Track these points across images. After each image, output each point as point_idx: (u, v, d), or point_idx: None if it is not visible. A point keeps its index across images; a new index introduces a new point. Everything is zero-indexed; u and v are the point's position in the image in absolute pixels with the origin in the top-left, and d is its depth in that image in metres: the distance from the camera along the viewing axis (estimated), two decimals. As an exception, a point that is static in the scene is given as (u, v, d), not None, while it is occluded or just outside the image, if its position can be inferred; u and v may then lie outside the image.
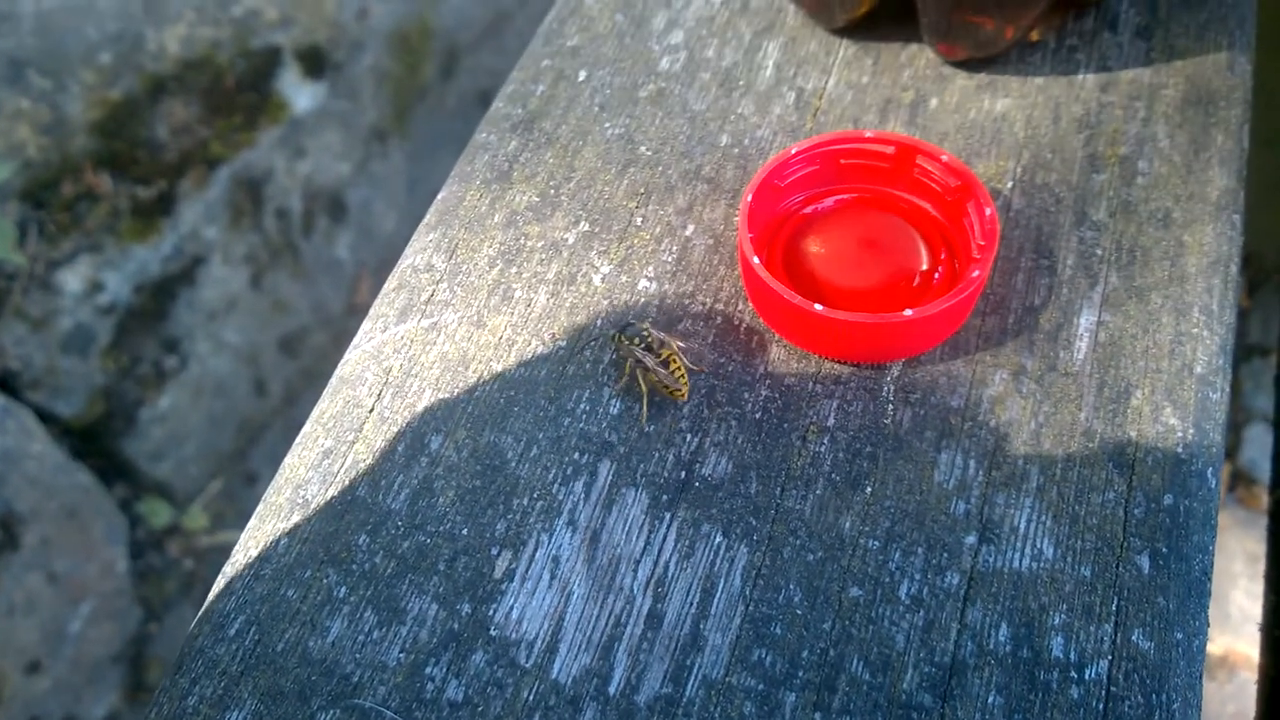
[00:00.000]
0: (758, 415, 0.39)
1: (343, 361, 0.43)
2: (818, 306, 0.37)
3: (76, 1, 1.48)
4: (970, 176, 0.40)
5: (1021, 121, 0.46)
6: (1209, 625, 0.35)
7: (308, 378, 1.38)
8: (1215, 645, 1.17)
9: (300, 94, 1.48)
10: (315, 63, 1.51)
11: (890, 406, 0.39)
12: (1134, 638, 0.34)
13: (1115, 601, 0.35)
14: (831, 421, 0.39)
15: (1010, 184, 0.44)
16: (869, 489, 0.37)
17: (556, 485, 0.38)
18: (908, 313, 0.37)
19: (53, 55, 1.47)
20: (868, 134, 0.42)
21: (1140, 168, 0.45)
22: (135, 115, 1.46)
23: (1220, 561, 1.23)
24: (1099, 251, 0.42)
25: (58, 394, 1.35)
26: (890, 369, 0.40)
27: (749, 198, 0.40)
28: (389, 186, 1.58)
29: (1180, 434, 0.38)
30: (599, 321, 0.42)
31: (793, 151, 0.41)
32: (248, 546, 0.38)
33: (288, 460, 0.40)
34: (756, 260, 0.39)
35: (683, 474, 0.38)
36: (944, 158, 0.41)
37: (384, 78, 1.54)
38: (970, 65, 0.48)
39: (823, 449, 0.38)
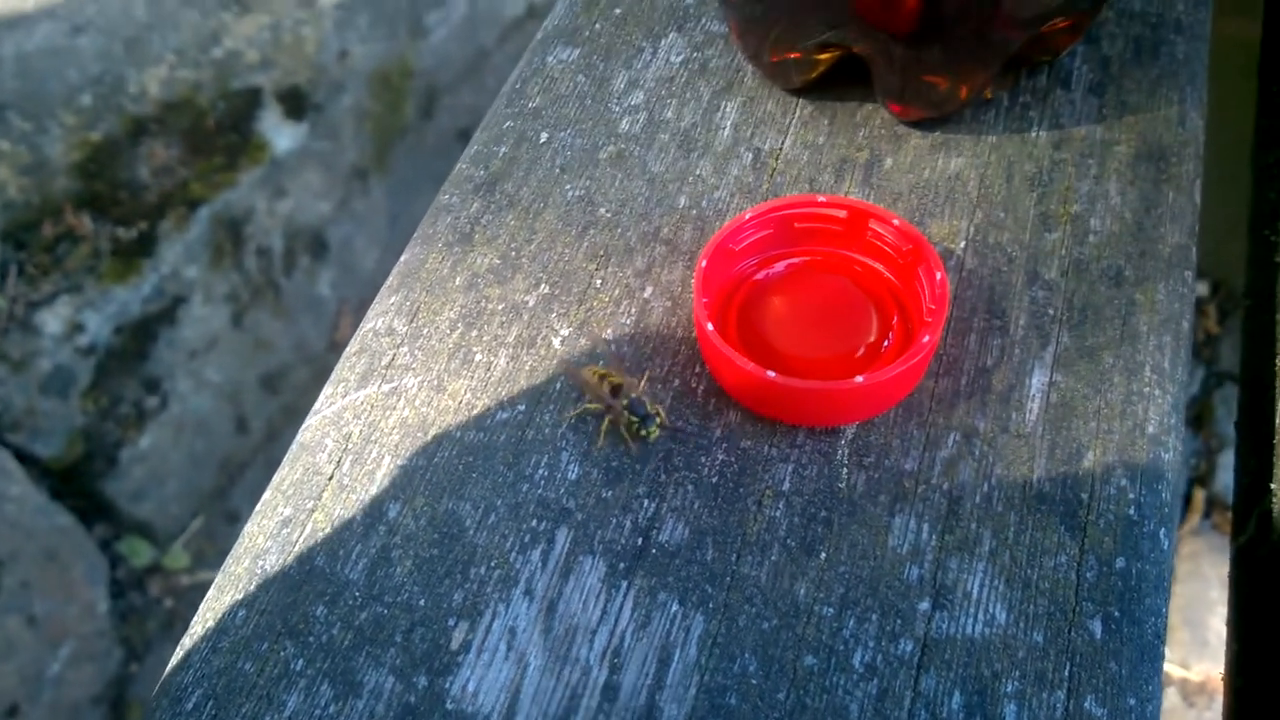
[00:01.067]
0: (714, 480, 0.39)
1: (303, 427, 0.43)
2: (770, 373, 0.37)
3: (58, 44, 1.48)
4: (921, 241, 0.40)
5: (975, 180, 0.47)
6: (1162, 690, 0.35)
7: (289, 414, 1.38)
8: (1194, 672, 1.17)
9: (281, 134, 1.49)
10: (296, 104, 1.51)
11: (845, 470, 0.39)
12: (1086, 704, 0.34)
13: (1068, 667, 0.35)
14: (787, 486, 0.39)
15: (963, 244, 0.45)
16: (823, 554, 0.38)
17: (514, 554, 0.38)
18: (859, 379, 0.37)
19: (33, 97, 1.47)
20: (821, 199, 0.42)
21: (1092, 225, 0.45)
22: (116, 156, 1.46)
23: (1196, 588, 1.23)
24: (1051, 311, 0.43)
25: (37, 435, 1.34)
26: (845, 432, 0.40)
27: (703, 263, 0.41)
28: (370, 223, 1.58)
29: (1132, 495, 0.38)
30: (558, 384, 0.42)
31: (746, 217, 0.42)
32: (205, 618, 0.38)
33: (247, 529, 0.40)
34: (710, 327, 0.39)
35: (640, 541, 0.38)
36: (895, 222, 0.41)
37: (364, 117, 1.55)
38: (924, 124, 0.49)
39: (778, 514, 0.39)
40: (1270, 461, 0.50)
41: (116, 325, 1.40)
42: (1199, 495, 1.31)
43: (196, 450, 1.40)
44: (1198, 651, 1.20)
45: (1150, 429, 0.40)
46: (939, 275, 0.39)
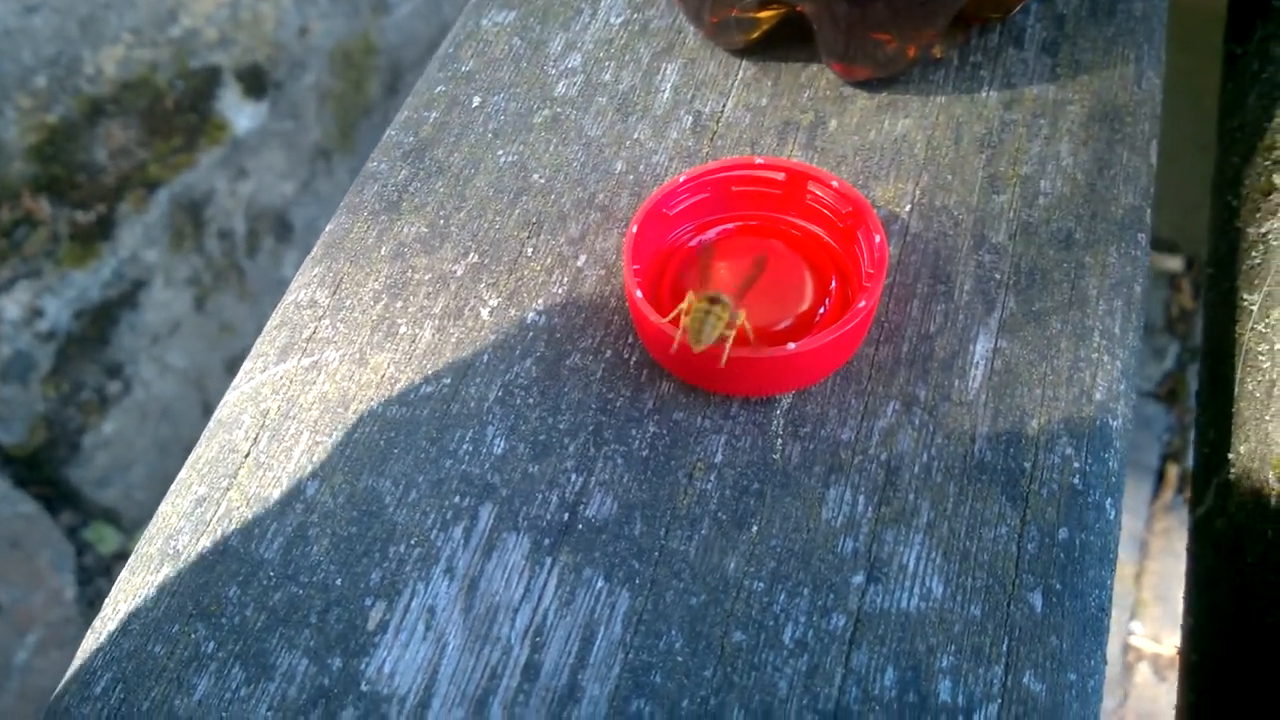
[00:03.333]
0: (645, 453, 0.38)
1: (220, 404, 0.41)
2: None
3: (10, 24, 1.45)
4: (861, 203, 0.39)
5: (922, 142, 0.45)
6: (1105, 664, 0.34)
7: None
8: (1166, 646, 1.17)
9: (241, 114, 1.46)
10: (256, 82, 1.49)
11: (779, 441, 0.38)
12: (1025, 680, 0.33)
13: (1006, 642, 0.34)
14: (719, 458, 0.38)
15: (909, 207, 0.43)
16: (755, 528, 0.36)
17: (435, 531, 0.37)
18: (791, 346, 0.35)
19: (-13, 79, 1.44)
20: (757, 160, 0.40)
21: (1042, 187, 0.44)
22: (73, 139, 1.43)
23: (1169, 563, 1.23)
24: (997, 276, 0.41)
25: (-2, 422, 1.32)
26: (780, 401, 0.39)
27: (634, 229, 0.39)
28: (335, 204, 1.55)
29: (1077, 464, 0.37)
30: (485, 357, 0.40)
31: (680, 180, 0.40)
32: (117, 600, 0.37)
33: (161, 509, 0.39)
34: (639, 294, 0.37)
35: (566, 516, 0.37)
36: (835, 184, 0.39)
37: (327, 95, 1.53)
38: (871, 85, 0.47)
39: (709, 486, 0.37)
40: (1229, 431, 0.49)
41: (76, 310, 1.38)
42: (1172, 471, 1.31)
43: (161, 436, 1.38)
44: (1170, 626, 1.19)
45: (1098, 395, 0.38)
46: (878, 238, 0.38)
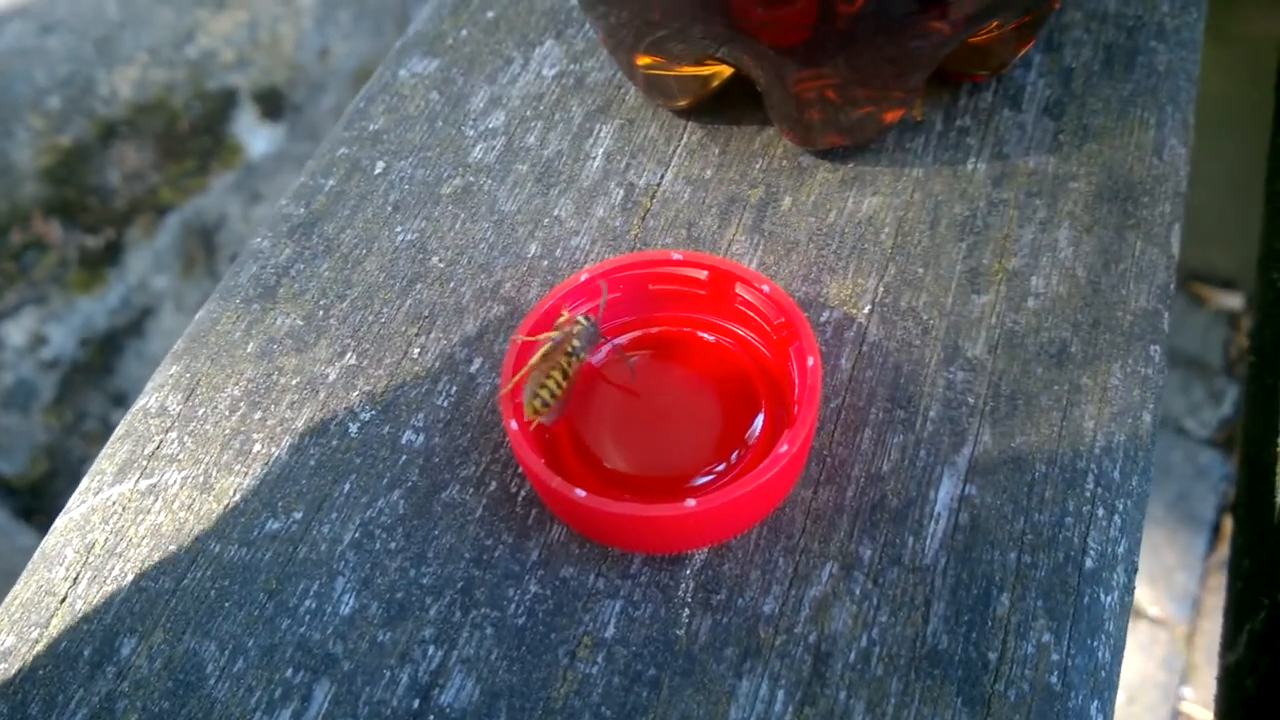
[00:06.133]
0: (521, 620, 0.31)
1: (50, 531, 0.35)
2: (579, 492, 0.29)
3: (24, 44, 1.42)
4: (794, 314, 0.31)
5: (891, 226, 0.38)
6: None
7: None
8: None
9: (257, 137, 1.42)
10: (273, 104, 1.44)
11: (686, 612, 0.30)
12: None
13: None
14: (611, 631, 0.30)
15: (868, 308, 0.36)
16: (644, 729, 0.29)
17: (258, 714, 0.30)
18: (690, 503, 0.28)
19: (0, 100, 1.41)
20: (676, 255, 0.33)
21: (1033, 286, 0.36)
22: (85, 161, 1.40)
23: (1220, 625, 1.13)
24: (971, 400, 0.33)
25: (-1, 452, 1.28)
26: (692, 560, 0.31)
27: (518, 339, 0.32)
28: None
29: (1056, 656, 0.29)
30: (346, 486, 0.34)
31: (582, 278, 0.33)
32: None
33: (-44, 663, 0.32)
34: (515, 425, 0.30)
35: (416, 703, 0.30)
36: (765, 288, 0.32)
37: (343, 119, 1.47)
38: (835, 154, 0.39)
39: (595, 670, 0.30)
40: (1266, 566, 0.40)
41: (82, 338, 1.34)
42: (1228, 523, 1.21)
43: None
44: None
45: (1089, 563, 0.30)
46: (810, 361, 0.30)
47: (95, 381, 1.35)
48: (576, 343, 0.31)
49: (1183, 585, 1.19)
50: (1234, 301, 1.29)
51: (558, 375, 0.31)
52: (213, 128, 1.42)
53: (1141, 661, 1.13)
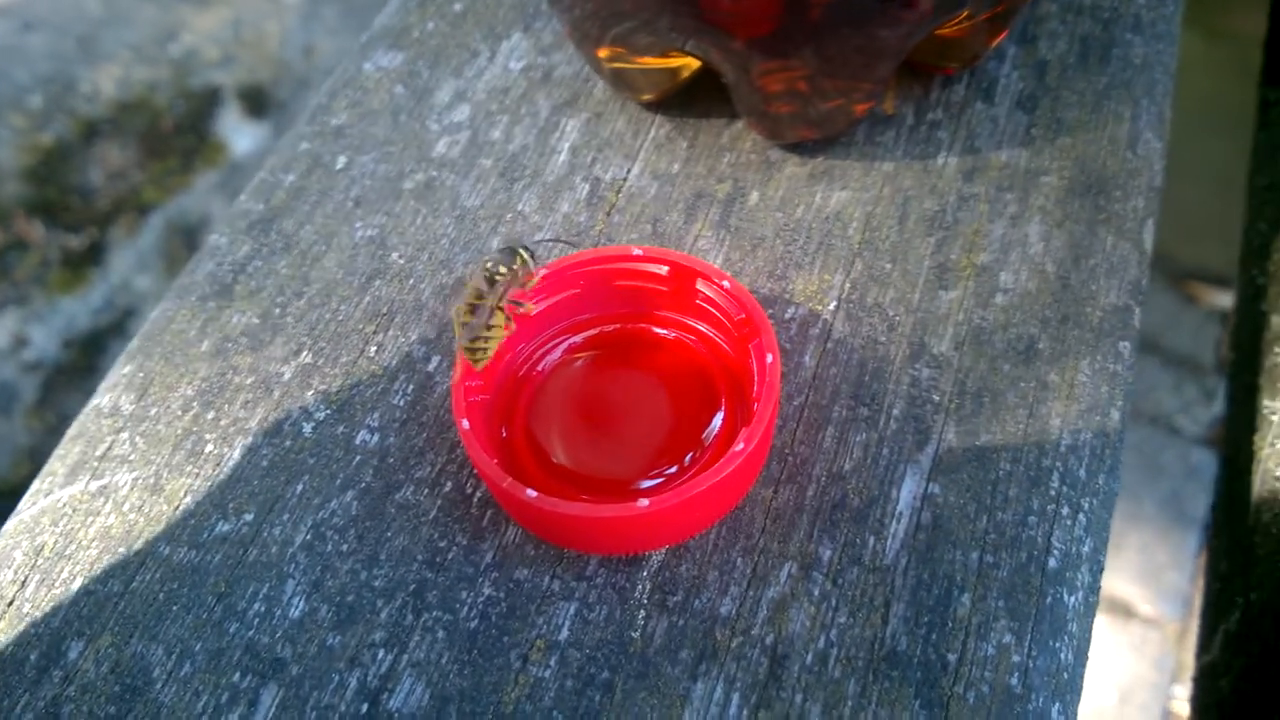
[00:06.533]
0: (474, 623, 0.30)
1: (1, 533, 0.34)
2: (530, 492, 0.28)
3: (5, 42, 1.41)
4: (754, 310, 0.31)
5: (859, 221, 0.37)
6: None
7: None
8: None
9: (241, 135, 1.41)
10: (258, 102, 1.43)
11: (641, 614, 0.30)
12: None
13: None
14: (565, 634, 0.30)
15: (834, 304, 0.35)
16: (597, 735, 0.28)
17: (205, 719, 0.29)
18: (643, 503, 0.27)
19: (-19, 99, 1.40)
20: (636, 251, 0.33)
21: (1002, 281, 0.35)
22: (67, 160, 1.39)
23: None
24: (936, 397, 0.33)
25: (-21, 456, 1.27)
26: (649, 560, 0.31)
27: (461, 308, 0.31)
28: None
29: (1017, 658, 0.28)
30: (299, 487, 0.33)
31: (540, 273, 0.32)
32: None
33: (-100, 668, 0.32)
34: (466, 424, 0.29)
35: (364, 707, 0.29)
36: (725, 284, 0.31)
37: (328, 117, 1.46)
38: (804, 148, 0.39)
39: (548, 674, 0.29)
40: (1242, 568, 0.40)
41: (64, 339, 1.33)
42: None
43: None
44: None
45: (1052, 563, 0.30)
46: (770, 358, 0.30)
47: (78, 383, 1.34)
48: (500, 276, 0.30)
49: (1174, 584, 1.19)
50: (1226, 300, 1.28)
51: (487, 321, 0.30)
52: (196, 126, 1.41)
53: (1133, 661, 1.13)
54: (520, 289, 0.30)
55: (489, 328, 0.29)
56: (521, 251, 0.30)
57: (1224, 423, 0.47)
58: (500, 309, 0.30)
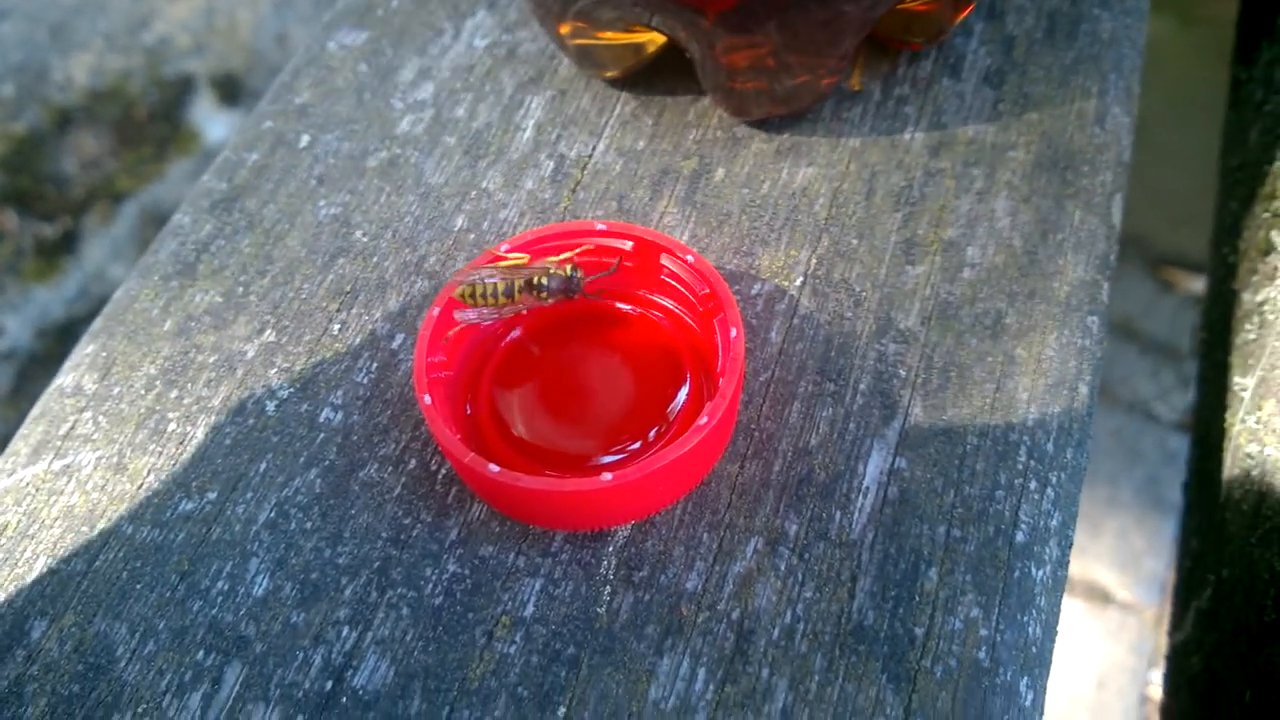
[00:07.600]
0: (438, 600, 0.30)
1: (-42, 514, 0.34)
2: (492, 467, 0.28)
3: (-24, 30, 1.40)
4: (719, 284, 0.31)
5: (826, 196, 0.37)
6: None
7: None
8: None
9: (214, 123, 1.40)
10: (231, 90, 1.42)
11: (607, 590, 0.30)
12: None
13: None
14: (530, 610, 0.29)
15: (800, 279, 0.35)
16: (562, 710, 0.28)
17: (168, 696, 0.29)
18: (606, 477, 0.27)
19: (-49, 87, 1.39)
20: (600, 226, 0.32)
21: (969, 256, 0.35)
22: (41, 149, 1.37)
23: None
24: (902, 372, 0.33)
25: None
26: (614, 536, 0.30)
27: (435, 311, 0.31)
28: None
29: (985, 632, 0.28)
30: (263, 466, 0.33)
31: (502, 249, 0.32)
32: None
33: None
34: (428, 399, 0.29)
35: (329, 684, 0.29)
36: (689, 259, 0.31)
37: (303, 105, 1.45)
38: (771, 125, 0.39)
39: (513, 650, 0.29)
40: (1213, 545, 0.40)
41: (39, 328, 1.32)
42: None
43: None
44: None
45: (1020, 537, 0.30)
46: (734, 333, 0.29)
47: (53, 373, 1.32)
48: (546, 280, 0.31)
49: (1151, 570, 1.19)
50: (1203, 286, 1.29)
51: (502, 286, 0.30)
52: (170, 114, 1.39)
53: (1110, 646, 1.13)
54: (539, 303, 0.31)
55: (496, 297, 0.30)
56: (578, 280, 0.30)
57: (1197, 394, 0.47)
58: (513, 299, 0.30)
